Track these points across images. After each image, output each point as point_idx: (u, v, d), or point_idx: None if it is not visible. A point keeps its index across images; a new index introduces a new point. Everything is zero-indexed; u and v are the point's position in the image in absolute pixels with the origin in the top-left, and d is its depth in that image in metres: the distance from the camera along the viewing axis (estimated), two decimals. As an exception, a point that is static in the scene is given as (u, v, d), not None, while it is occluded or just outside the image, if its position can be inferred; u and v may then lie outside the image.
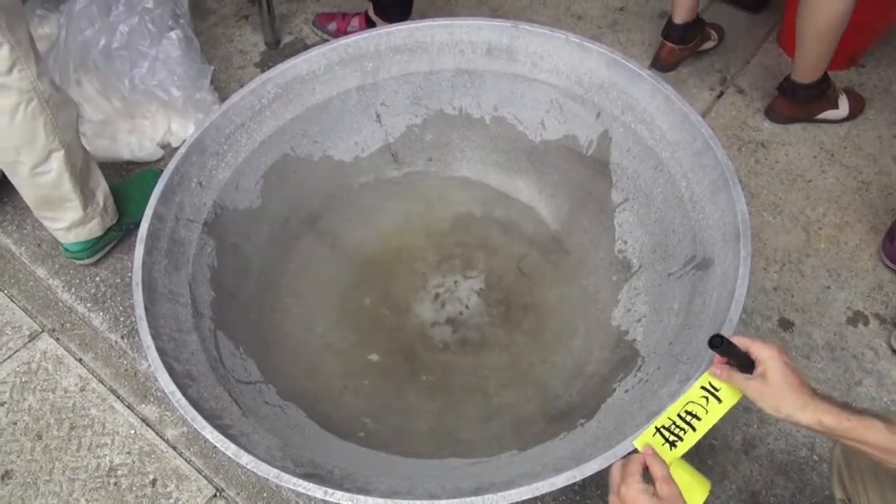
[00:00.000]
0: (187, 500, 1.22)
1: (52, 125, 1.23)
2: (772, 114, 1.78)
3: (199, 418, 0.91)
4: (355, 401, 1.21)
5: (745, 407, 1.31)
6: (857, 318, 1.43)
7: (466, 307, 1.34)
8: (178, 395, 0.93)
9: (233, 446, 0.89)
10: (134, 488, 1.23)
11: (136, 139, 1.61)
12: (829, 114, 1.76)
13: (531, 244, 1.41)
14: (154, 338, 0.99)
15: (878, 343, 1.39)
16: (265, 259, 1.31)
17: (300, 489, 0.86)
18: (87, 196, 1.36)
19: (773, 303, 1.46)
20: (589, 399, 1.14)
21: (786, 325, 1.43)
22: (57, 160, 1.27)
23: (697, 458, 1.25)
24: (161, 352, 0.98)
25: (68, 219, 1.36)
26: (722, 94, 1.86)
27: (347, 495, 0.84)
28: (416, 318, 1.33)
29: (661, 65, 1.87)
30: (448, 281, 1.37)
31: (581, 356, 1.25)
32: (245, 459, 0.88)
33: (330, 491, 0.85)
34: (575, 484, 1.22)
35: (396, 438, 1.14)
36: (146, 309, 1.02)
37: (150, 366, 1.33)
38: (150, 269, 1.08)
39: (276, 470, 0.87)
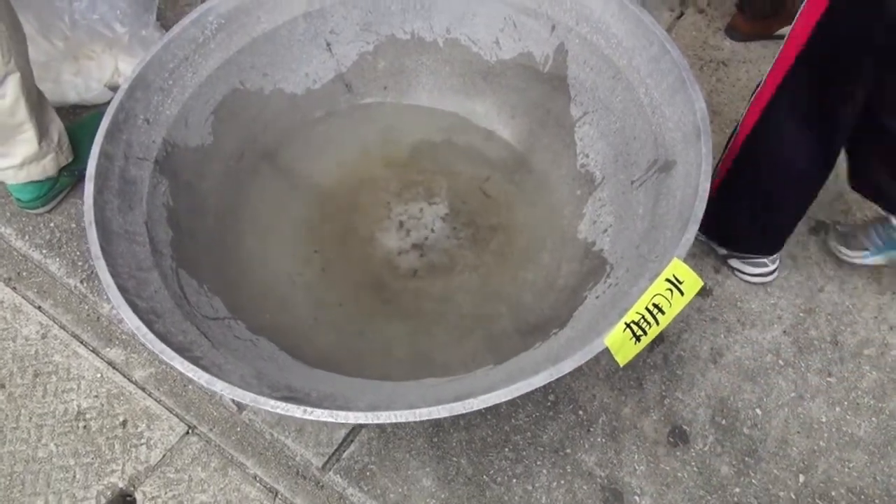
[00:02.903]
0: (160, 439, 1.20)
1: (7, 46, 1.17)
2: (732, 32, 1.78)
3: (169, 350, 0.89)
4: (327, 332, 1.20)
5: (712, 318, 1.33)
6: (818, 228, 1.46)
7: (432, 231, 1.32)
8: (145, 329, 0.91)
9: (206, 375, 0.87)
10: (104, 430, 1.21)
11: (83, 80, 1.53)
12: (788, 29, 1.76)
13: (493, 166, 1.40)
14: (114, 276, 0.96)
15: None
16: (222, 197, 1.28)
17: (279, 411, 0.84)
18: (41, 129, 1.31)
19: (737, 216, 1.47)
20: (561, 310, 1.15)
21: (749, 236, 1.45)
22: (13, 83, 1.21)
23: (667, 369, 1.27)
24: (122, 289, 0.95)
25: (21, 154, 1.31)
26: (682, 14, 1.84)
27: (327, 412, 0.84)
28: (381, 248, 1.31)
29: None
30: (412, 208, 1.36)
31: (550, 271, 1.25)
32: (219, 386, 0.86)
33: (309, 409, 0.84)
34: (548, 400, 1.24)
35: (372, 365, 1.13)
36: (102, 248, 0.98)
37: (112, 308, 1.31)
38: (102, 208, 1.04)
39: (252, 394, 0.85)
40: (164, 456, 1.19)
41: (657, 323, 0.89)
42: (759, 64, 1.72)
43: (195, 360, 0.91)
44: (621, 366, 0.89)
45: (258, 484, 1.17)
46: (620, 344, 0.88)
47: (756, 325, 1.32)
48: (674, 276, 0.90)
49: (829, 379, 1.26)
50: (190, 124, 1.24)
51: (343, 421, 0.83)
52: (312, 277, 1.27)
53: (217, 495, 1.15)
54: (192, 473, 1.17)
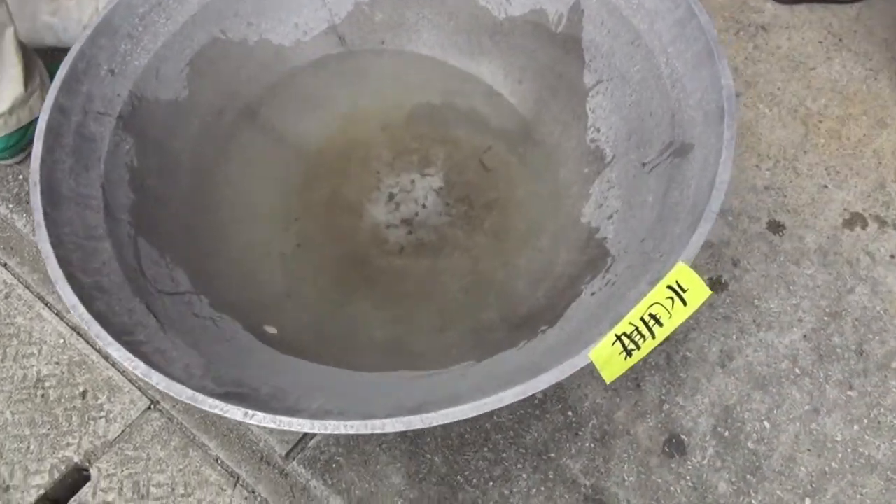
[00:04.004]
0: (120, 412, 1.13)
1: None
2: None
3: (105, 334, 0.80)
4: (299, 311, 1.10)
5: (725, 316, 1.21)
6: (854, 221, 1.31)
7: (424, 206, 1.21)
8: (81, 308, 0.82)
9: (142, 365, 0.79)
10: (63, 400, 1.15)
11: (60, 21, 1.43)
12: None
13: (496, 136, 1.27)
14: (55, 246, 0.87)
15: (876, 247, 1.28)
16: (197, 157, 1.18)
17: (217, 411, 0.76)
18: (27, 65, 1.25)
19: (764, 203, 1.33)
20: (555, 301, 1.04)
21: (775, 227, 1.31)
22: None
23: (669, 371, 1.16)
24: (64, 262, 0.86)
25: (9, 97, 1.24)
26: (718, -30, 1.67)
27: (269, 416, 0.75)
28: (369, 221, 1.21)
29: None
30: (404, 179, 1.24)
31: (548, 257, 1.14)
32: (156, 379, 0.78)
33: (251, 412, 0.75)
34: (535, 397, 1.14)
35: (343, 351, 1.04)
36: (45, 213, 0.89)
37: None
38: (51, 168, 0.94)
39: (190, 391, 0.77)
40: (122, 431, 1.12)
41: (653, 336, 0.77)
42: (803, 30, 1.55)
43: (136, 346, 0.82)
44: (608, 382, 0.78)
45: (219, 467, 1.10)
46: (607, 358, 0.77)
47: (773, 327, 1.20)
48: (677, 282, 0.78)
49: (849, 392, 1.14)
50: (161, 76, 1.13)
51: (287, 428, 0.74)
52: (290, 249, 1.18)
53: (175, 476, 1.09)
54: (151, 452, 1.11)
